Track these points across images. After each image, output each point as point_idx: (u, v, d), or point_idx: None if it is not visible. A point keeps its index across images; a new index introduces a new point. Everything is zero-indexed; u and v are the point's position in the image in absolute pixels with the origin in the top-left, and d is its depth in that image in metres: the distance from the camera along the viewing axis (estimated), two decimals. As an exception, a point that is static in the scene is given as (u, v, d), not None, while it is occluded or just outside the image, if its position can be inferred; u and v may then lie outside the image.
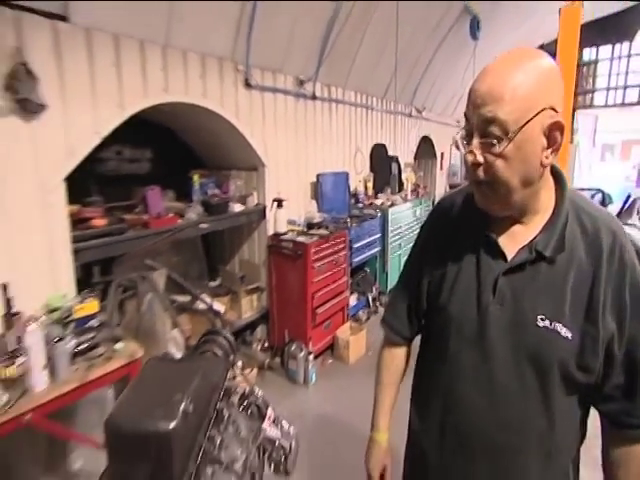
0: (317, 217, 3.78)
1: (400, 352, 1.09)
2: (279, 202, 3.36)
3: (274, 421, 1.11)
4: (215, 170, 3.45)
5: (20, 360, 1.53)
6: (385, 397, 1.09)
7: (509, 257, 0.83)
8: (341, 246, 3.64)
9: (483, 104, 0.72)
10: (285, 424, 1.29)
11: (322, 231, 3.51)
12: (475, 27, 5.24)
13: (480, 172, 0.77)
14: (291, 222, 3.55)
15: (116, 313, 2.25)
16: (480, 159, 0.75)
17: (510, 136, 0.71)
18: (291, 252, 3.29)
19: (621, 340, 0.77)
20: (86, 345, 1.75)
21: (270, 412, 1.11)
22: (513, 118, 0.70)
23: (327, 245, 3.42)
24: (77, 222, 2.21)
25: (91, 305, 1.89)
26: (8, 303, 1.68)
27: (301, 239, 3.30)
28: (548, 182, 0.81)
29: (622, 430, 0.82)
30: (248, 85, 2.98)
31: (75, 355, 1.70)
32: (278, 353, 3.55)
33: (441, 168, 7.36)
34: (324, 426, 2.78)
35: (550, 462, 0.86)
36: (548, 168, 0.77)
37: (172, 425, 0.75)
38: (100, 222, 2.29)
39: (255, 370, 3.36)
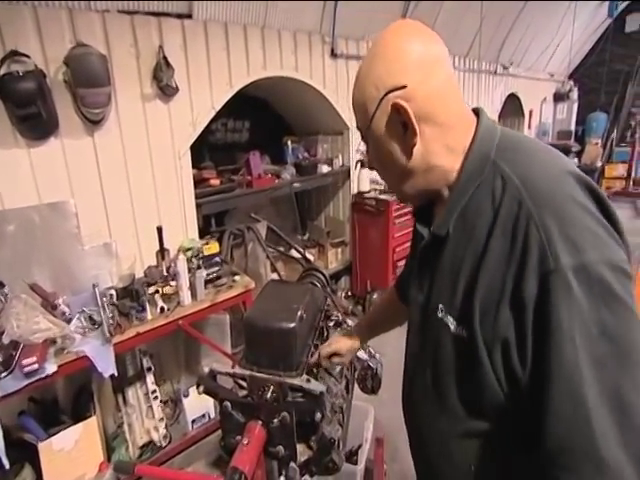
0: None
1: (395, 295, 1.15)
2: (362, 162, 3.63)
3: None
4: (303, 135, 3.82)
5: (172, 282, 2.10)
6: (371, 312, 1.25)
7: None
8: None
9: (354, 115, 0.74)
10: (372, 350, 1.61)
11: (402, 190, 3.72)
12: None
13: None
14: (373, 181, 3.81)
15: (229, 255, 2.80)
16: (370, 163, 0.78)
17: (365, 139, 0.73)
18: (374, 209, 3.59)
19: (522, 354, 0.57)
20: (213, 276, 2.29)
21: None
22: (362, 124, 0.71)
23: (407, 203, 3.63)
24: (198, 182, 2.75)
25: (214, 246, 2.41)
26: (162, 241, 2.26)
27: (383, 197, 3.57)
28: (452, 150, 0.68)
29: None
30: (334, 55, 3.24)
31: (206, 282, 2.24)
32: (360, 301, 3.95)
33: (529, 127, 6.85)
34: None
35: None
36: (440, 143, 0.67)
37: (292, 325, 1.11)
38: (215, 182, 2.80)
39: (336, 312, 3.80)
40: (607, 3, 6.49)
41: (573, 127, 7.77)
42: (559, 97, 7.51)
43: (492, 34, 4.80)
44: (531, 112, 6.79)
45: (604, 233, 0.55)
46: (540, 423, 0.55)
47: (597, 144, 7.44)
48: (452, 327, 0.66)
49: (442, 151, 0.67)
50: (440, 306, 0.69)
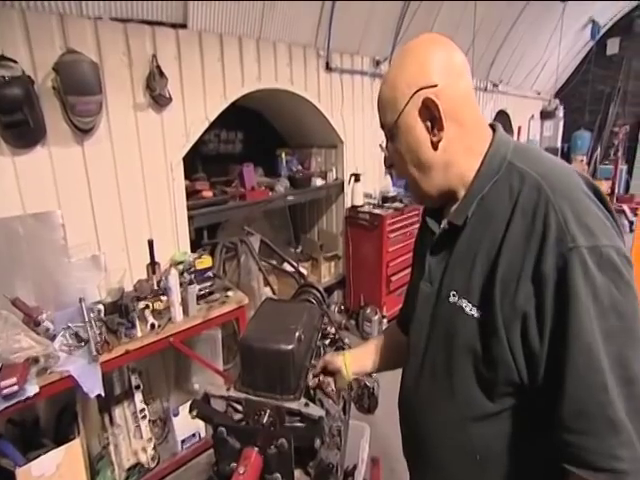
0: (391, 191, 3.98)
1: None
2: (356, 176, 3.62)
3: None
4: (297, 148, 3.80)
5: (163, 297, 2.02)
6: (372, 340, 1.23)
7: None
8: (415, 219, 3.78)
9: (379, 113, 0.81)
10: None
11: (397, 204, 3.72)
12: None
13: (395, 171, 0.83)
14: (367, 195, 3.80)
15: (221, 269, 2.72)
16: (389, 161, 0.83)
17: (390, 134, 0.77)
18: (368, 223, 3.55)
19: (541, 327, 0.60)
20: (206, 291, 2.21)
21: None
22: (389, 119, 0.76)
23: (402, 217, 3.62)
24: (190, 194, 2.69)
25: (207, 260, 2.34)
26: (152, 254, 2.18)
27: (377, 211, 3.54)
28: (471, 151, 0.74)
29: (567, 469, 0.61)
30: (329, 69, 3.25)
31: (198, 298, 2.16)
32: (353, 315, 3.89)
33: (517, 143, 7.01)
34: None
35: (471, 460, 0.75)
36: (459, 139, 0.72)
37: (291, 346, 1.06)
38: (208, 194, 2.74)
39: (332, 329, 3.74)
40: (590, 26, 6.71)
41: (559, 144, 7.95)
42: (546, 115, 7.69)
43: (483, 52, 4.91)
44: (520, 129, 6.93)
45: (609, 224, 0.62)
46: (558, 389, 0.59)
47: (582, 161, 7.60)
48: (467, 309, 0.69)
49: (462, 151, 0.73)
50: (452, 292, 0.73)
